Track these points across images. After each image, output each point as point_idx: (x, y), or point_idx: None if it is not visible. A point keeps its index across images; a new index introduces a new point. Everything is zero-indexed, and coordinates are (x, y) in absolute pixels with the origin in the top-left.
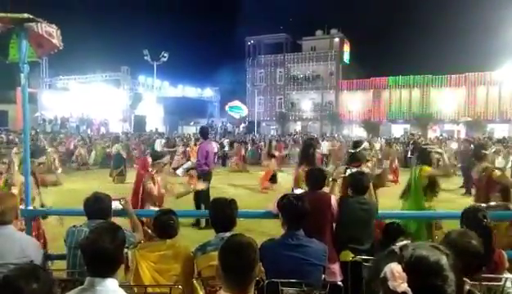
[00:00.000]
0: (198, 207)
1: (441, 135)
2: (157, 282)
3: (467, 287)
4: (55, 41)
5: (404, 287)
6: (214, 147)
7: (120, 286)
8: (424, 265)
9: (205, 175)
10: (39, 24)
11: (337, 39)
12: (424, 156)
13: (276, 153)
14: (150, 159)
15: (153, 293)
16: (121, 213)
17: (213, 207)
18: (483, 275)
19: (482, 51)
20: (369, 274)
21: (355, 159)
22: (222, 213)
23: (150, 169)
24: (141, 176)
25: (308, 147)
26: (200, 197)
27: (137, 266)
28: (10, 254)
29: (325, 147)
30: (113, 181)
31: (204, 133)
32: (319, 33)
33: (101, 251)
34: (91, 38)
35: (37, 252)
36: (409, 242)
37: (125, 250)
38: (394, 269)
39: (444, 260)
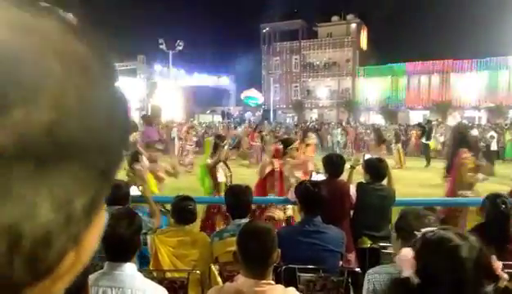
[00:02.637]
0: None
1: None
2: (175, 267)
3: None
4: None
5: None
6: (163, 133)
7: (139, 270)
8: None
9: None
10: None
11: (354, 25)
12: None
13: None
14: (281, 147)
15: (171, 278)
16: (139, 199)
17: (230, 193)
18: (504, 263)
19: (503, 35)
20: None
21: (465, 144)
22: (237, 200)
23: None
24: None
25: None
26: None
27: (156, 251)
28: None
29: (338, 134)
30: None
31: (147, 120)
32: (335, 18)
33: (118, 236)
34: (106, 27)
35: None
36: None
37: (146, 235)
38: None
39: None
